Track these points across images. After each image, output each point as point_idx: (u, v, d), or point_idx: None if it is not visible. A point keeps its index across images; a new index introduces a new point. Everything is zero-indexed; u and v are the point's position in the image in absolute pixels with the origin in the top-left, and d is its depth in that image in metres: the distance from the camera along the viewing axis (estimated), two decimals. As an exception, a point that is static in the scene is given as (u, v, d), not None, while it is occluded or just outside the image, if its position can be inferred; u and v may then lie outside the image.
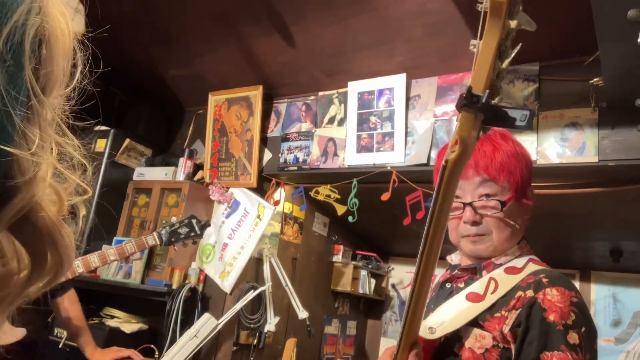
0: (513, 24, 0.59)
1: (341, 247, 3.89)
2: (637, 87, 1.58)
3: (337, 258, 3.87)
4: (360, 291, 3.94)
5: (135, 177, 3.07)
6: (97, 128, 3.07)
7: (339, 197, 2.68)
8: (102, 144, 2.97)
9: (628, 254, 3.26)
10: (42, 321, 2.85)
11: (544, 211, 2.83)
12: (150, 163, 3.14)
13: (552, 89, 2.06)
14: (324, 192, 2.71)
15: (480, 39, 0.59)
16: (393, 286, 4.35)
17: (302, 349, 2.81)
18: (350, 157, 2.51)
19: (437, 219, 0.73)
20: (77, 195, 0.44)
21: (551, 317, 0.94)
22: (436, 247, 0.79)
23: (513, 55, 0.62)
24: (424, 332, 1.04)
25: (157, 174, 3.00)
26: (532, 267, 1.07)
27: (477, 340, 1.01)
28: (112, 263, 2.39)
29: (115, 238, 2.87)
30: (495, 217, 1.08)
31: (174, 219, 2.29)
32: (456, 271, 1.18)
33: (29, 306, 2.99)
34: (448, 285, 1.19)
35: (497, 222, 1.08)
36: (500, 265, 1.10)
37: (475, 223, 1.10)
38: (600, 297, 3.60)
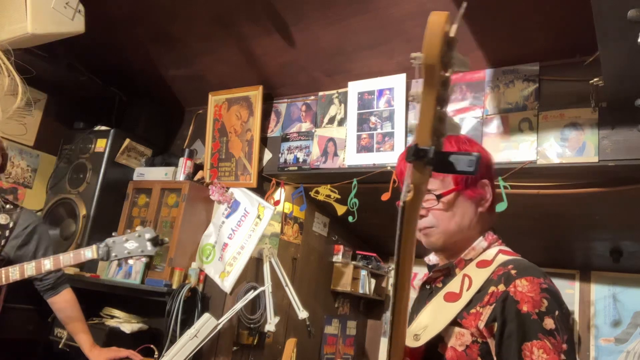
0: (449, 72, 0.62)
1: (341, 247, 3.89)
2: (637, 87, 1.58)
3: (337, 258, 3.87)
4: (360, 291, 3.94)
5: (135, 177, 3.07)
6: (97, 128, 3.07)
7: (339, 197, 2.68)
8: (102, 144, 2.97)
9: (628, 254, 3.26)
10: (42, 321, 2.85)
11: (544, 211, 2.84)
12: (150, 163, 3.14)
13: (552, 89, 2.06)
14: (324, 192, 2.71)
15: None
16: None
17: (302, 349, 2.80)
18: (350, 157, 2.51)
19: (404, 252, 0.77)
20: None
21: (524, 308, 0.97)
22: (407, 273, 0.83)
23: (460, 15, 0.67)
24: (409, 340, 1.06)
25: (157, 174, 3.00)
26: (502, 258, 1.10)
27: (458, 338, 1.04)
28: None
29: (115, 238, 2.87)
30: (436, 209, 1.15)
31: (127, 232, 2.04)
32: (431, 273, 1.23)
33: (28, 306, 3.01)
34: (427, 286, 1.23)
35: (439, 214, 1.15)
36: (471, 260, 1.14)
37: (421, 216, 1.16)
38: (600, 297, 3.61)
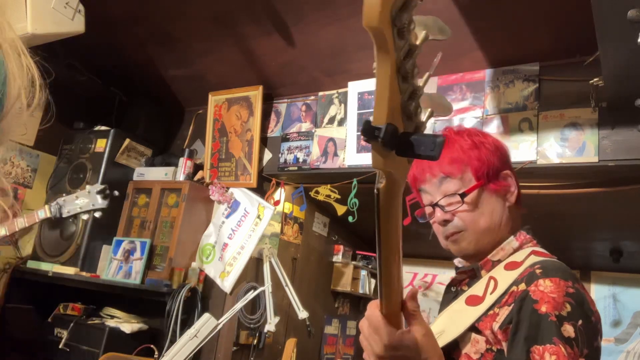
0: (417, 39, 0.53)
1: (341, 247, 3.89)
2: (637, 87, 1.58)
3: (337, 258, 3.87)
4: (360, 291, 3.94)
5: (135, 177, 3.07)
6: (97, 128, 3.07)
7: (339, 197, 2.68)
8: (102, 144, 2.97)
9: (628, 254, 3.26)
10: (42, 321, 2.85)
11: (544, 211, 2.84)
12: (150, 163, 3.14)
13: (552, 89, 2.06)
14: (324, 192, 2.71)
15: None
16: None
17: (302, 349, 2.80)
18: (350, 157, 2.51)
19: (386, 250, 0.69)
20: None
21: (543, 309, 0.86)
22: (395, 270, 0.72)
23: (435, 66, 0.58)
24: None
25: (157, 174, 3.00)
26: (533, 259, 1.00)
27: (473, 345, 0.96)
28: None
29: (115, 238, 2.87)
30: (463, 211, 1.05)
31: (78, 190, 2.07)
32: (455, 275, 1.14)
33: (28, 306, 3.00)
34: (453, 288, 1.14)
35: (467, 215, 1.05)
36: (499, 261, 1.05)
37: (446, 222, 1.07)
38: (600, 297, 3.60)
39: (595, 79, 1.84)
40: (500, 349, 0.92)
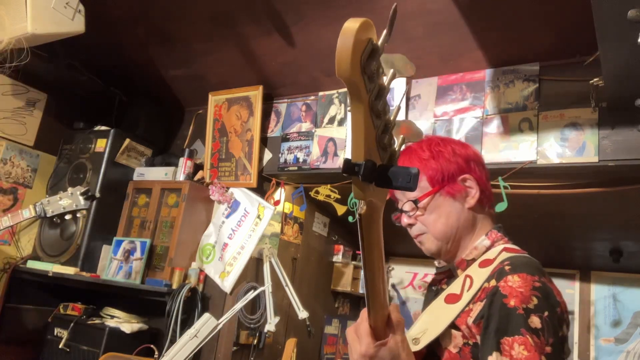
0: (386, 80, 0.58)
1: (341, 247, 3.89)
2: (637, 87, 1.58)
3: (337, 258, 3.87)
4: (360, 291, 3.94)
5: (135, 177, 3.07)
6: (97, 128, 3.07)
7: (339, 197, 2.68)
8: (102, 144, 2.97)
9: (628, 254, 3.26)
10: (42, 321, 2.85)
11: (544, 211, 2.84)
12: (150, 163, 3.14)
13: (552, 89, 2.06)
14: (324, 192, 2.71)
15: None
16: (393, 286, 4.35)
17: (302, 349, 2.80)
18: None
19: (371, 268, 0.76)
20: None
21: (512, 303, 0.93)
22: (378, 283, 0.79)
23: (403, 98, 0.64)
24: (409, 345, 1.04)
25: (157, 174, 3.00)
26: (504, 256, 1.06)
27: (452, 340, 1.02)
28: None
29: (115, 238, 2.87)
30: (422, 215, 1.16)
31: (61, 192, 2.21)
32: (434, 275, 1.22)
33: (28, 306, 3.00)
34: (434, 287, 1.22)
35: (425, 218, 1.15)
36: (474, 260, 1.12)
37: (410, 225, 1.19)
38: (600, 297, 3.60)
39: (595, 79, 1.84)
40: (476, 342, 0.98)
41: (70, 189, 2.20)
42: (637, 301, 3.50)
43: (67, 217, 2.21)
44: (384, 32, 0.59)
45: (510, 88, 2.15)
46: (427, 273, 4.33)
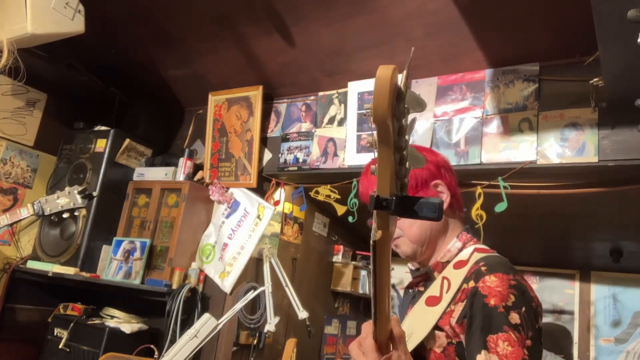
0: (404, 121, 0.63)
1: (341, 247, 3.89)
2: (637, 87, 1.58)
3: (337, 258, 3.88)
4: (360, 291, 3.95)
5: (135, 177, 3.07)
6: (97, 128, 3.07)
7: (339, 197, 2.68)
8: (102, 144, 2.97)
9: (628, 254, 3.26)
10: (42, 321, 2.85)
11: (544, 211, 2.84)
12: (150, 163, 3.14)
13: (552, 89, 2.06)
14: (324, 192, 2.71)
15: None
16: (393, 286, 4.35)
17: (302, 349, 2.80)
18: (350, 157, 2.51)
19: (380, 287, 0.80)
20: None
21: (492, 302, 0.98)
22: (386, 302, 0.83)
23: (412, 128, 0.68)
24: None
25: (157, 174, 3.00)
26: (477, 256, 1.11)
27: (436, 340, 1.06)
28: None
29: (115, 238, 2.87)
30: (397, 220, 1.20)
31: (58, 191, 2.23)
32: (411, 279, 1.26)
33: (28, 306, 3.01)
34: (410, 290, 1.26)
35: (400, 223, 1.20)
36: (448, 262, 1.16)
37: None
38: (600, 297, 3.61)
39: (595, 79, 1.84)
40: (460, 341, 1.03)
41: (67, 188, 2.22)
42: (637, 301, 3.51)
43: (65, 215, 2.22)
44: (404, 73, 0.62)
45: (510, 88, 2.15)
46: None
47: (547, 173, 2.09)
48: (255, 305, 2.86)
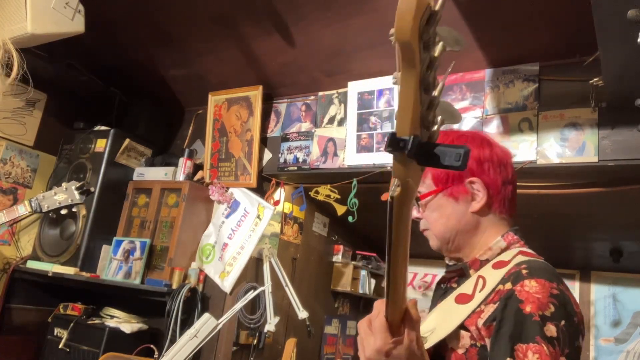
0: (436, 51, 0.54)
1: (341, 247, 3.89)
2: (637, 87, 1.58)
3: (337, 258, 3.88)
4: (360, 291, 3.95)
5: (135, 177, 3.07)
6: (97, 128, 3.07)
7: (339, 197, 2.68)
8: (102, 144, 2.97)
9: (628, 254, 3.26)
10: (42, 321, 2.85)
11: (544, 211, 2.84)
12: (150, 163, 3.14)
13: (552, 89, 2.06)
14: (324, 192, 2.71)
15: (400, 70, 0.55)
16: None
17: (302, 349, 2.80)
18: (350, 157, 2.51)
19: (395, 259, 0.71)
20: None
21: (528, 309, 0.89)
22: (401, 272, 0.75)
23: (448, 74, 0.59)
24: None
25: (157, 174, 3.00)
26: (520, 259, 1.03)
27: (459, 340, 0.99)
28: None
29: (115, 238, 2.87)
30: (425, 212, 1.14)
31: (55, 187, 2.20)
32: (444, 273, 1.18)
33: (28, 306, 3.01)
34: (443, 285, 1.18)
35: (427, 216, 1.14)
36: (487, 261, 1.08)
37: (417, 219, 1.16)
38: (600, 297, 3.61)
39: (595, 79, 1.84)
40: (484, 345, 0.95)
41: (64, 184, 2.21)
42: (637, 301, 3.51)
43: (63, 211, 2.22)
44: None
45: (510, 88, 2.15)
46: (426, 273, 4.32)
47: (547, 173, 2.09)
48: (255, 305, 2.86)
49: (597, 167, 1.93)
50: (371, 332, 0.81)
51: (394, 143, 0.57)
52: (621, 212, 2.64)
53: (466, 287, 1.06)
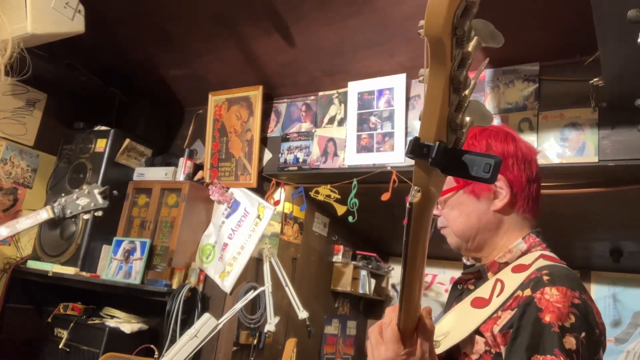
0: (470, 46, 0.49)
1: (341, 247, 3.89)
2: (637, 87, 1.58)
3: (337, 258, 3.87)
4: (360, 291, 3.94)
5: (135, 177, 3.07)
6: (97, 128, 3.07)
7: (339, 197, 2.68)
8: (102, 144, 2.97)
9: (628, 254, 3.26)
10: (42, 321, 2.85)
11: (544, 211, 2.83)
12: (150, 163, 3.14)
13: (552, 89, 2.06)
14: (324, 192, 2.71)
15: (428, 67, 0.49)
16: (393, 286, 4.35)
17: (302, 349, 2.80)
18: (350, 157, 2.51)
19: (411, 266, 0.67)
20: None
21: (547, 318, 0.85)
22: (417, 277, 0.71)
23: (481, 71, 0.55)
24: None
25: (157, 174, 3.00)
26: (541, 263, 0.98)
27: (474, 346, 0.96)
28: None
29: (115, 238, 2.87)
30: (445, 209, 1.10)
31: (75, 190, 2.10)
32: (461, 274, 1.13)
33: (28, 306, 3.00)
34: (459, 286, 1.13)
35: (446, 214, 1.10)
36: (507, 264, 1.03)
37: (436, 216, 1.12)
38: (600, 297, 3.60)
39: (595, 79, 1.84)
40: (499, 352, 0.91)
41: (86, 187, 2.10)
42: (637, 301, 3.51)
43: (86, 216, 2.11)
44: None
45: (510, 88, 2.15)
46: (427, 273, 4.32)
47: (547, 173, 2.08)
48: (255, 305, 2.86)
49: (597, 167, 1.93)
50: (382, 340, 0.78)
51: (416, 149, 0.52)
52: (621, 212, 2.64)
53: (483, 291, 1.02)
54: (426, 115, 0.51)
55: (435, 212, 1.09)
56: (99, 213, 2.11)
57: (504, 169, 1.05)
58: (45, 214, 2.03)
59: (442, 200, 1.09)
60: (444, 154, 0.51)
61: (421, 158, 0.52)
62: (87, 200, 2.07)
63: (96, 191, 2.08)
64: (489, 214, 1.06)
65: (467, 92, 0.52)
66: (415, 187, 0.58)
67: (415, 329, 0.76)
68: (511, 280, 0.98)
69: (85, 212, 2.08)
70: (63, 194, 2.10)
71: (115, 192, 2.26)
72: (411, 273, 0.68)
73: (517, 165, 1.06)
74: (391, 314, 0.78)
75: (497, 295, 0.97)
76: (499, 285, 0.99)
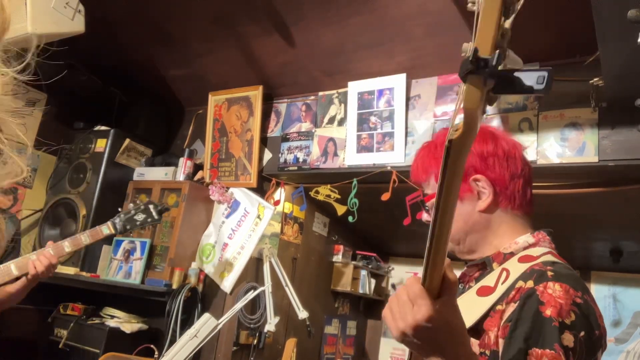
0: None
1: (341, 247, 3.89)
2: (637, 87, 1.58)
3: (337, 258, 3.87)
4: (360, 291, 3.94)
5: (135, 177, 3.07)
6: (97, 128, 3.07)
7: (339, 197, 2.68)
8: (102, 144, 2.97)
9: (628, 254, 3.26)
10: (42, 321, 2.85)
11: (544, 211, 2.83)
12: (150, 163, 3.14)
13: (552, 89, 2.05)
14: (324, 192, 2.71)
15: None
16: (393, 286, 4.35)
17: (302, 349, 2.80)
18: (350, 157, 2.51)
19: (444, 211, 0.64)
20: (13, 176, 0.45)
21: (548, 312, 0.83)
22: (447, 228, 0.67)
23: (518, 9, 0.53)
24: None
25: (157, 174, 3.00)
26: (548, 258, 0.97)
27: (479, 334, 0.94)
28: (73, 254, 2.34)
29: (115, 238, 2.87)
30: (430, 214, 1.10)
31: (131, 206, 2.22)
32: (465, 268, 1.12)
33: (28, 306, 3.00)
34: (460, 285, 1.12)
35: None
36: (512, 254, 1.02)
37: (427, 222, 1.12)
38: (600, 297, 3.60)
39: (595, 79, 1.84)
40: (494, 350, 0.89)
41: (141, 204, 2.22)
42: (637, 301, 3.51)
43: (141, 230, 2.27)
44: None
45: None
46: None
47: (547, 173, 2.09)
48: (255, 305, 2.86)
49: (597, 167, 1.93)
50: (409, 301, 0.72)
51: (476, 61, 0.49)
52: (621, 212, 2.64)
53: (489, 280, 1.00)
54: (482, 27, 0.50)
55: (427, 217, 1.12)
56: (155, 226, 2.31)
57: (484, 169, 1.05)
58: (107, 230, 2.11)
59: (430, 206, 1.12)
60: (496, 70, 0.50)
61: (479, 73, 0.50)
62: (143, 216, 2.20)
63: (151, 207, 2.22)
64: (474, 215, 1.06)
65: (509, 23, 0.51)
66: (454, 125, 0.55)
67: (440, 286, 0.72)
68: (517, 269, 0.96)
69: (142, 226, 2.21)
70: (120, 209, 2.22)
71: (168, 208, 2.40)
72: (442, 220, 0.64)
73: (498, 163, 1.06)
74: (412, 280, 0.74)
75: (502, 283, 0.96)
76: (504, 273, 0.97)
